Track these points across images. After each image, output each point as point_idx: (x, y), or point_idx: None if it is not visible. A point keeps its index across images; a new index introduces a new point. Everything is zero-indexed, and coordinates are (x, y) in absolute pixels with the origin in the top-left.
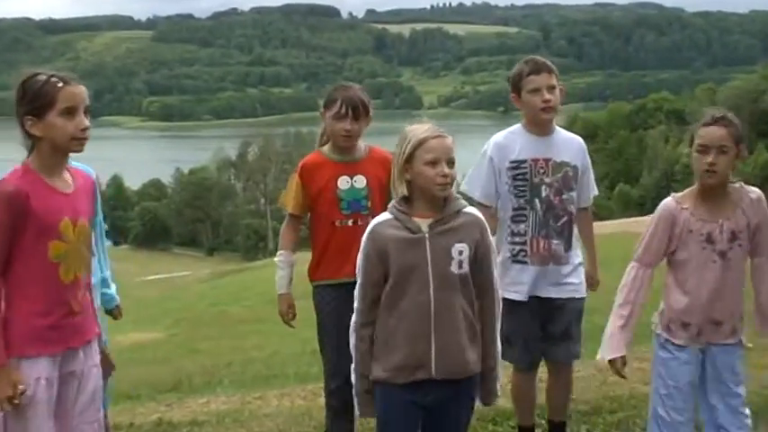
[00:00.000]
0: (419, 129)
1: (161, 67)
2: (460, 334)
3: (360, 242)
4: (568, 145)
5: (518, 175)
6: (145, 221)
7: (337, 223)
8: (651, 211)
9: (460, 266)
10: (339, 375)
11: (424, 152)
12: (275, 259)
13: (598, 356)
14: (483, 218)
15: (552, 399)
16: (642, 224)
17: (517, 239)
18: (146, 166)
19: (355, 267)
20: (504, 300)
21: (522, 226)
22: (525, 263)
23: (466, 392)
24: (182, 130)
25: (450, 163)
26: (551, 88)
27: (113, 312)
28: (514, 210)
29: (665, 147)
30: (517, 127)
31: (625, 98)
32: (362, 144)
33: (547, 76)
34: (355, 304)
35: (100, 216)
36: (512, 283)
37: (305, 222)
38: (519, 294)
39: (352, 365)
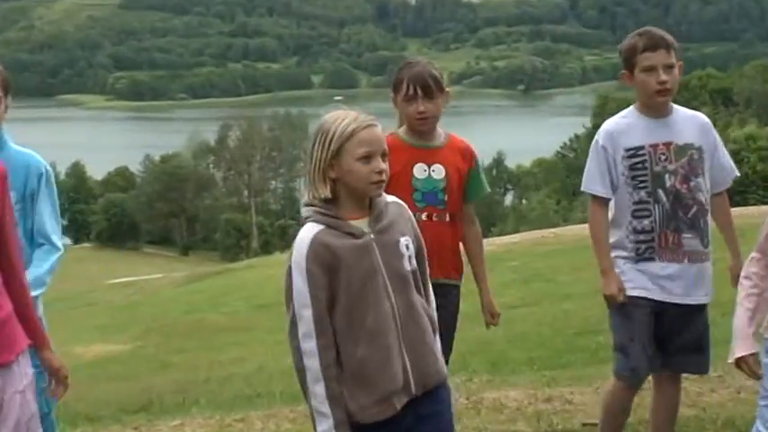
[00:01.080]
0: (343, 118)
1: (129, 39)
2: (427, 336)
3: (431, 240)
4: (690, 124)
5: (636, 164)
6: (110, 216)
7: None
8: None
9: (410, 262)
10: None
11: (355, 146)
12: None
13: (729, 359)
14: (403, 203)
15: (661, 415)
16: None
17: (642, 237)
18: (111, 153)
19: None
20: (624, 302)
21: (647, 222)
22: (653, 259)
23: (442, 398)
24: (153, 110)
25: (384, 155)
26: (669, 67)
27: None
28: (635, 204)
29: None
30: (629, 110)
31: None
32: (441, 130)
33: (664, 53)
34: (310, 344)
35: (43, 212)
36: (635, 280)
37: None
38: (645, 291)
39: (323, 422)
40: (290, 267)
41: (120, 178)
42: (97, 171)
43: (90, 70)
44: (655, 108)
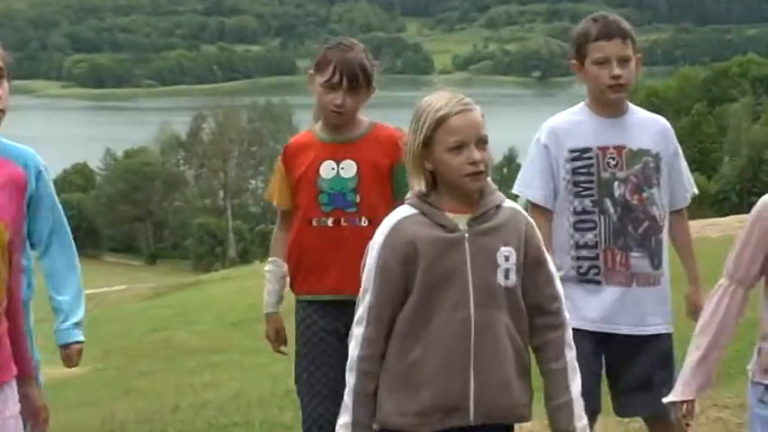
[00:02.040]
0: (436, 101)
1: (88, 17)
2: (507, 365)
3: (343, 249)
4: (647, 127)
5: (581, 168)
6: (66, 219)
7: (314, 222)
8: (731, 211)
9: (507, 276)
10: (310, 422)
11: (446, 134)
12: (265, 268)
13: (664, 399)
14: (527, 214)
15: None
16: (724, 228)
17: (584, 253)
18: (68, 147)
19: (337, 282)
20: None
21: (590, 235)
22: (598, 282)
23: None
24: (115, 99)
25: (482, 143)
26: (624, 60)
27: (67, 352)
28: (577, 214)
29: (751, 125)
30: (579, 107)
31: (700, 61)
32: (365, 119)
33: (620, 43)
34: (358, 330)
35: (48, 219)
36: (576, 309)
37: None
38: (585, 323)
39: (344, 414)
40: (368, 248)
41: (78, 176)
42: (51, 168)
43: (44, 53)
44: (607, 106)
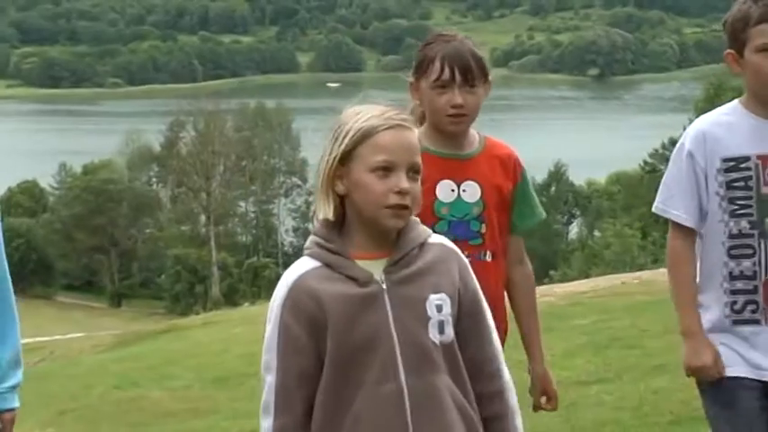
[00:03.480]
0: (365, 111)
1: (39, 1)
2: None
3: None
4: None
5: (736, 181)
6: (11, 250)
7: None
8: None
9: (442, 331)
10: None
11: (372, 150)
12: None
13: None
14: (458, 250)
15: None
16: None
17: (739, 285)
18: (13, 161)
19: None
20: (719, 384)
21: (747, 263)
22: (757, 322)
23: None
24: (73, 101)
25: (413, 172)
26: None
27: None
28: (732, 237)
29: None
30: (733, 105)
31: None
32: (475, 132)
33: None
34: (267, 423)
35: None
36: (733, 356)
37: None
38: (744, 370)
39: None
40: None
41: (26, 197)
42: None
43: None
44: None
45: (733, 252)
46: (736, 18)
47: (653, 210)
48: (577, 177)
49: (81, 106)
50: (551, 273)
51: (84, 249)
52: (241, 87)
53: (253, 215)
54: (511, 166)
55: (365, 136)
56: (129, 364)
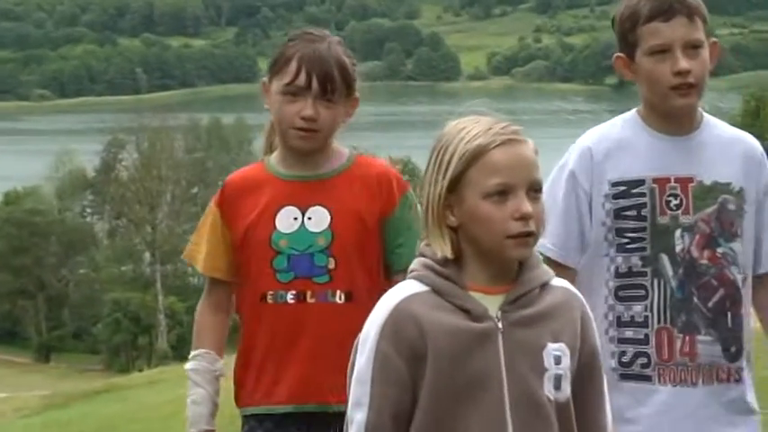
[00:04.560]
0: (471, 126)
1: None
2: None
3: (310, 336)
4: (727, 151)
5: (627, 208)
6: None
7: (268, 297)
8: None
9: (558, 386)
10: None
11: (485, 173)
12: (186, 367)
13: None
14: (583, 298)
15: None
16: None
17: (629, 334)
18: None
19: (301, 385)
20: None
21: (638, 308)
22: (648, 380)
23: None
24: None
25: (534, 191)
26: (693, 47)
27: None
28: (620, 276)
29: None
30: (628, 117)
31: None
32: (341, 148)
33: (685, 22)
34: None
35: None
36: (620, 420)
37: None
38: None
39: None
40: (356, 344)
41: None
42: None
43: None
44: (669, 116)
45: (620, 294)
46: (623, 16)
47: None
48: None
49: (1, 123)
50: None
51: (5, 294)
52: (192, 100)
53: None
54: (383, 188)
55: (474, 157)
56: (58, 430)
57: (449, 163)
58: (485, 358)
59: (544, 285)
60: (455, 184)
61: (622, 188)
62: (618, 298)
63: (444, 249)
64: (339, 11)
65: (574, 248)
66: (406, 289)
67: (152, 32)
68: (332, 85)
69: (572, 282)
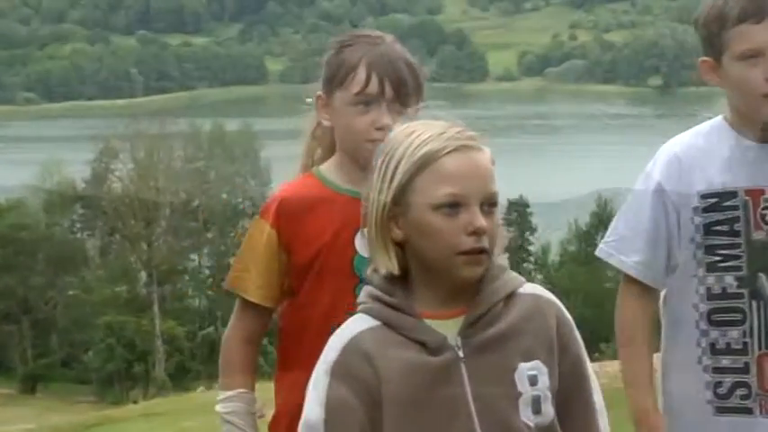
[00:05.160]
0: (420, 131)
1: None
2: None
3: None
4: None
5: (719, 223)
6: None
7: None
8: None
9: (537, 410)
10: None
11: (434, 182)
12: (220, 409)
13: None
14: (557, 300)
15: None
16: None
17: (726, 362)
18: None
19: None
20: None
21: (736, 334)
22: (749, 412)
23: None
24: None
25: (488, 205)
26: None
27: None
28: (712, 298)
29: None
30: (716, 123)
31: None
32: None
33: None
34: None
35: None
36: None
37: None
38: None
39: None
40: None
41: None
42: None
43: None
44: (761, 123)
45: (715, 318)
46: (709, 17)
47: (596, 252)
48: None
49: None
50: (602, 347)
51: None
52: (192, 103)
53: (208, 272)
54: None
55: (424, 164)
56: None
57: (395, 170)
58: (449, 393)
59: (510, 296)
60: (401, 194)
61: (713, 201)
62: (711, 323)
63: (389, 266)
64: (354, 5)
65: (661, 268)
66: (356, 325)
67: (148, 30)
68: (405, 89)
69: (653, 304)
